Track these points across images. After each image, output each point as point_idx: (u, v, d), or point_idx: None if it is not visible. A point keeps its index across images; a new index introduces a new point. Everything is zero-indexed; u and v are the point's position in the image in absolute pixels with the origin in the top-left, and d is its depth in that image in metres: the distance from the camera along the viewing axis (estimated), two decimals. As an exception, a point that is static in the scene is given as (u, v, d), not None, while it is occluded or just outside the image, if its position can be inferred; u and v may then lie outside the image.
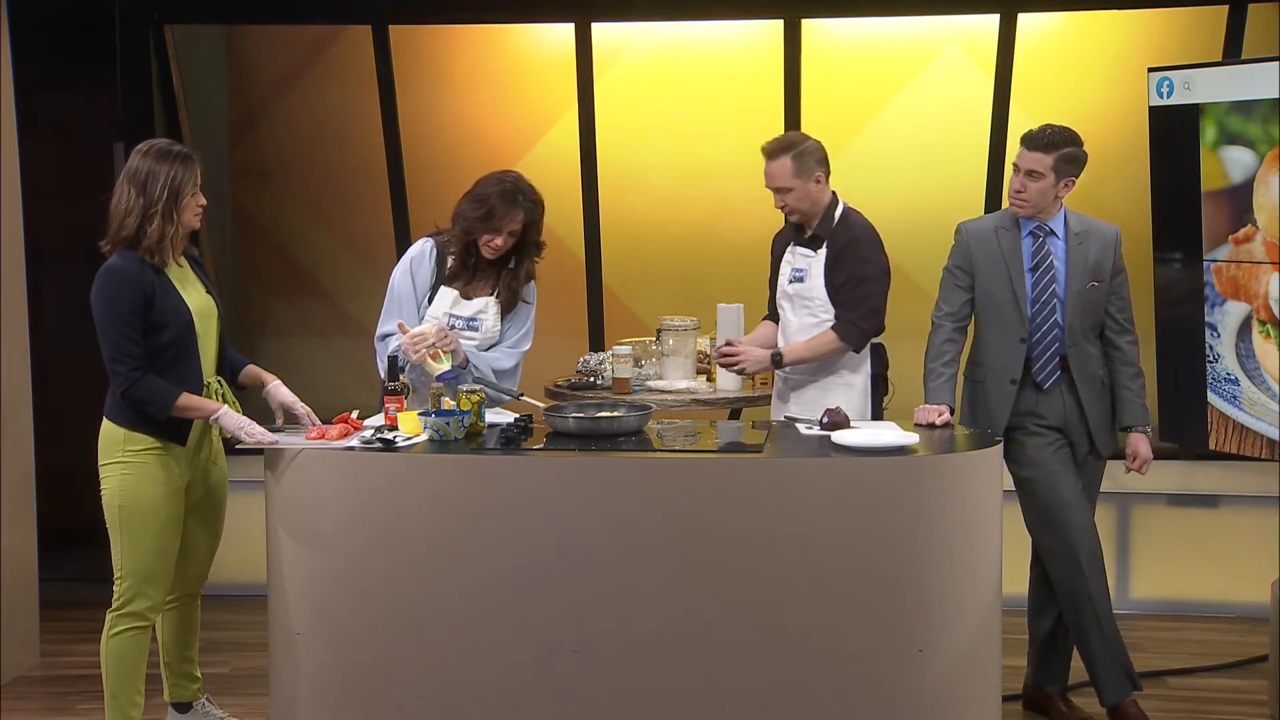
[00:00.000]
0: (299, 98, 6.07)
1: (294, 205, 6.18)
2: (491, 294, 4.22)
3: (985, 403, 4.12)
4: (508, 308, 4.23)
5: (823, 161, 4.21)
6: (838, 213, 4.24)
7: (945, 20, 5.64)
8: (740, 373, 4.38)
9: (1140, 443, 4.15)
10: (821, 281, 4.20)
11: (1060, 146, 3.98)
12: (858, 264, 4.17)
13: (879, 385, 4.29)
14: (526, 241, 4.19)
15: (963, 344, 4.15)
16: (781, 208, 4.23)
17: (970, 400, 4.18)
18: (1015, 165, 4.05)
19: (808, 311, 4.25)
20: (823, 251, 4.21)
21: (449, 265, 4.21)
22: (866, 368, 4.25)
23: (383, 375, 4.00)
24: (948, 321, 4.12)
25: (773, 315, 4.46)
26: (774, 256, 4.42)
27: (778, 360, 4.24)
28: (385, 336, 4.19)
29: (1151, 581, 5.42)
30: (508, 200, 4.10)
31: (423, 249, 4.25)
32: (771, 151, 4.20)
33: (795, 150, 4.17)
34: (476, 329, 4.19)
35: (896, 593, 3.42)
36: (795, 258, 4.29)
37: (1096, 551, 4.02)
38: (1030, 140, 4.02)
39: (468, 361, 4.11)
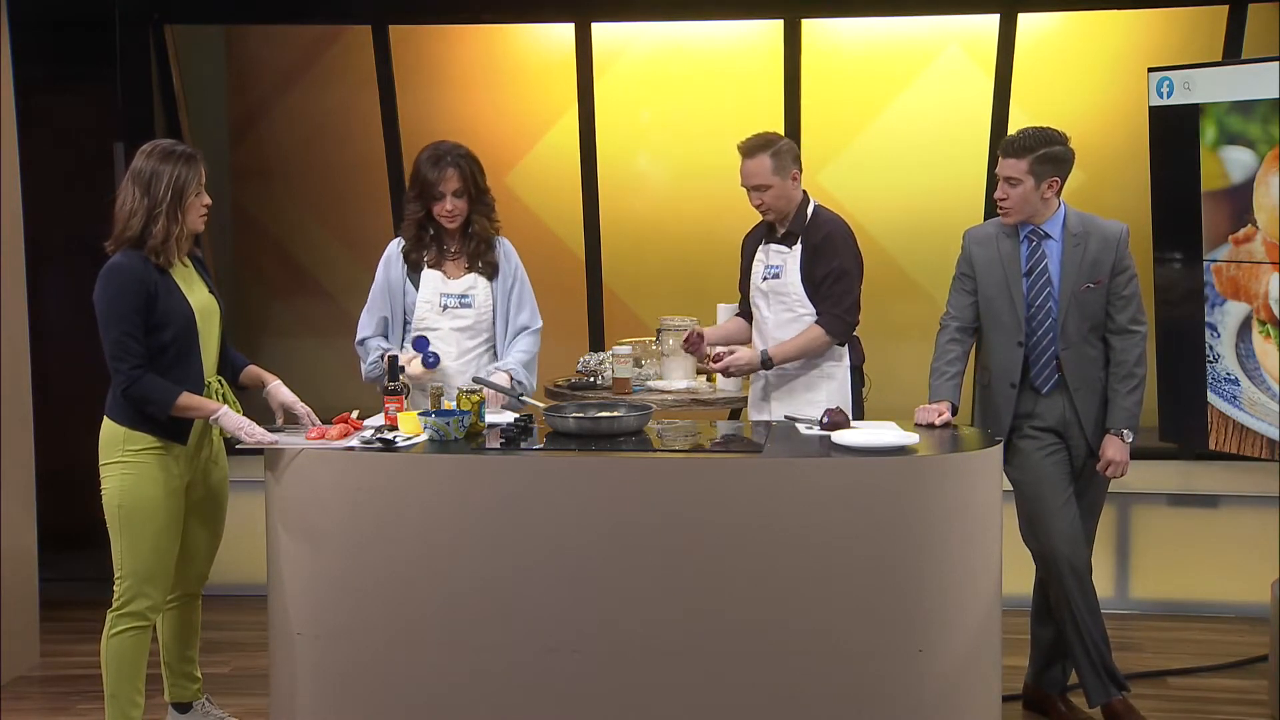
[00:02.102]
0: (299, 98, 6.08)
1: (294, 205, 6.18)
2: (471, 270, 4.25)
3: (987, 405, 4.15)
4: (490, 274, 4.26)
5: (797, 159, 4.29)
6: (810, 210, 4.30)
7: (945, 20, 5.64)
8: (728, 374, 4.41)
9: (1109, 446, 4.03)
10: (798, 277, 4.26)
11: (1034, 149, 3.94)
12: (835, 259, 4.23)
13: (857, 377, 4.34)
14: (474, 199, 4.22)
15: (969, 345, 4.15)
16: (758, 205, 4.29)
17: (980, 403, 4.21)
18: (996, 174, 4.05)
19: (784, 307, 4.31)
20: (797, 248, 4.27)
21: (408, 251, 4.26)
22: (846, 360, 4.31)
23: (364, 375, 4.22)
24: (951, 323, 4.14)
25: (745, 314, 4.54)
26: (745, 256, 4.47)
27: (766, 360, 4.28)
28: (364, 341, 4.28)
29: (1151, 581, 5.42)
30: (434, 164, 4.18)
31: (391, 247, 4.32)
32: (749, 150, 4.25)
33: (773, 149, 4.23)
34: (470, 305, 4.23)
35: (896, 593, 3.42)
36: (769, 255, 4.35)
37: (1075, 558, 4.00)
38: (1004, 147, 4.01)
39: (511, 378, 4.19)
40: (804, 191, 4.33)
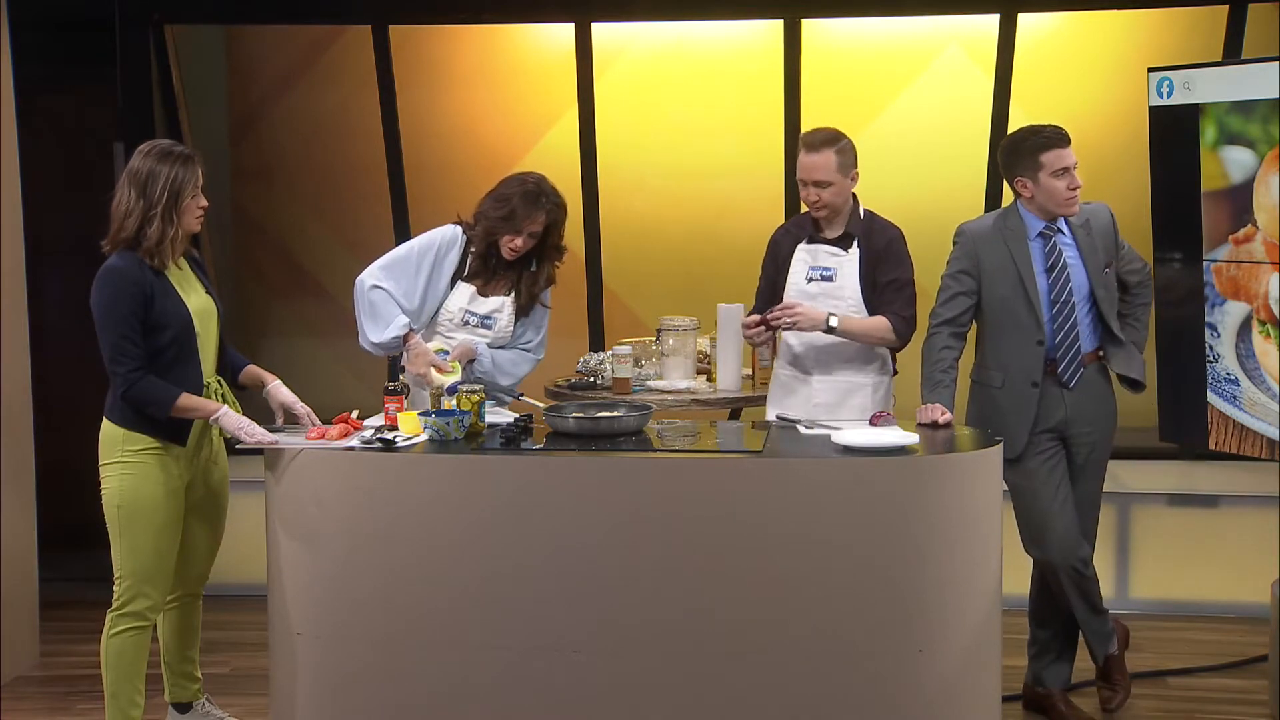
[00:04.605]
0: (299, 98, 6.08)
1: (294, 205, 6.18)
2: (509, 294, 4.23)
3: (999, 405, 4.05)
4: (524, 310, 4.25)
5: (856, 160, 4.14)
6: (861, 212, 4.17)
7: (945, 20, 5.64)
8: (791, 327, 4.04)
9: None
10: (856, 281, 4.11)
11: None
12: (901, 266, 4.12)
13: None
14: (547, 244, 4.20)
15: (961, 350, 4.09)
16: (814, 202, 4.08)
17: (980, 403, 4.13)
18: (1065, 168, 3.96)
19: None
20: (855, 251, 4.12)
21: (470, 263, 4.22)
22: (890, 368, 4.21)
23: (358, 312, 4.13)
24: (945, 328, 4.05)
25: None
26: (777, 256, 4.25)
27: (832, 326, 4.03)
28: (376, 288, 4.15)
29: (1151, 581, 5.42)
30: (530, 201, 4.11)
31: (455, 237, 4.24)
32: (815, 144, 4.06)
33: (838, 145, 4.07)
34: (490, 327, 4.22)
35: (896, 593, 3.42)
36: (816, 256, 4.16)
37: (1071, 562, 4.00)
38: (1064, 135, 4.00)
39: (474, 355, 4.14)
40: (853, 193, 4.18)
